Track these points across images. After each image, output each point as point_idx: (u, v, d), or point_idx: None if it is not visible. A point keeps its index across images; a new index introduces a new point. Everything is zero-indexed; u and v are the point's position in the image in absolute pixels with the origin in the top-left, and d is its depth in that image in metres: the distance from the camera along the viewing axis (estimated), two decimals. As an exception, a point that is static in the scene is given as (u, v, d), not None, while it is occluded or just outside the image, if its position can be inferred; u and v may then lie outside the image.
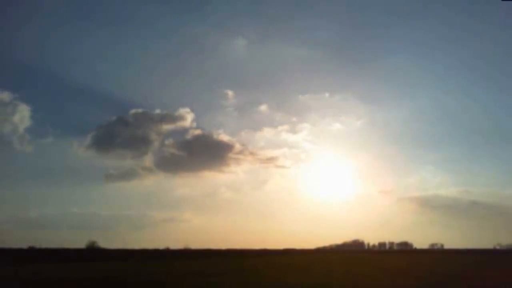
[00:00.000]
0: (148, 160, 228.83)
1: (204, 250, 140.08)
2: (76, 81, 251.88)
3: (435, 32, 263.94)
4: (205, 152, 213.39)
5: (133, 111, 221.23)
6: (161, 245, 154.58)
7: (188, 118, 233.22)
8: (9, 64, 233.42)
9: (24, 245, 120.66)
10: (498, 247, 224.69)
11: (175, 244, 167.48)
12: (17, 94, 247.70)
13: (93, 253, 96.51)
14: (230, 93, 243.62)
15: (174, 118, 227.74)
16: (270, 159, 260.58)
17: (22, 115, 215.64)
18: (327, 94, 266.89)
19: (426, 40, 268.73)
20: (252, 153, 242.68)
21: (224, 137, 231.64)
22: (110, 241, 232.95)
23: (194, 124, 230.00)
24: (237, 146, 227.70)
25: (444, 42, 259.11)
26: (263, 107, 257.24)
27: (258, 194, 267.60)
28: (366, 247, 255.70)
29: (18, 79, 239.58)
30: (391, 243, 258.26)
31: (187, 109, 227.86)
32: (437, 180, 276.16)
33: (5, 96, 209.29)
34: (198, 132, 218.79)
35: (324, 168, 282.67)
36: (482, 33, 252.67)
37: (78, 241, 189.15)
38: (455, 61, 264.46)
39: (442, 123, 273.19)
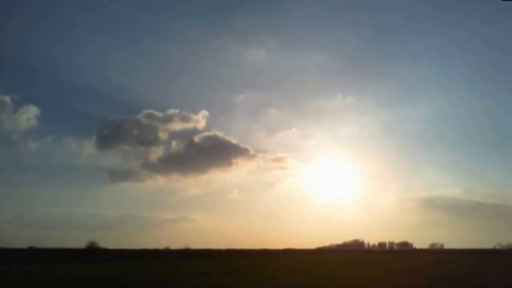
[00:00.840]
0: (156, 160, 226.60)
1: (205, 250, 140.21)
2: (87, 80, 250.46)
3: (450, 37, 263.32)
4: (213, 153, 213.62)
5: (144, 112, 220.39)
6: (162, 245, 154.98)
7: (200, 120, 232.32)
8: (16, 65, 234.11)
9: (25, 245, 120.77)
10: (498, 247, 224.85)
11: (180, 244, 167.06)
12: (23, 94, 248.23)
13: (93, 253, 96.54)
14: (242, 96, 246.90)
15: (185, 120, 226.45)
16: (277, 160, 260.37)
17: (28, 115, 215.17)
18: (340, 96, 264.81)
19: (439, 45, 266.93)
20: (259, 155, 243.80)
21: (234, 139, 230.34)
22: (116, 241, 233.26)
23: (205, 126, 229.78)
24: (245, 148, 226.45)
25: (455, 47, 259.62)
26: (275, 110, 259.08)
27: (262, 195, 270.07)
28: (366, 247, 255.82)
29: (25, 79, 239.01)
30: (391, 243, 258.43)
31: (201, 112, 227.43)
32: (439, 181, 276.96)
33: (12, 96, 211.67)
34: (208, 133, 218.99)
35: (330, 170, 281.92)
36: (494, 39, 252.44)
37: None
38: (462, 65, 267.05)
39: (445, 125, 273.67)
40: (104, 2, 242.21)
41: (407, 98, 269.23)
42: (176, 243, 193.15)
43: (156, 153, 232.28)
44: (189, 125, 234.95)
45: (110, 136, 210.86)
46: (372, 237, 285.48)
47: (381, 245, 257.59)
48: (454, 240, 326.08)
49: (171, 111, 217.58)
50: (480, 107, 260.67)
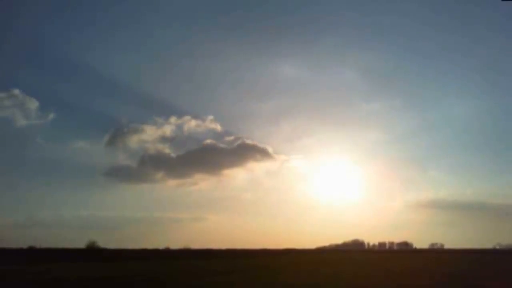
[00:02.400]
0: (171, 161, 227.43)
1: (204, 250, 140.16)
2: (100, 80, 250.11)
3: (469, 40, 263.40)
4: (222, 155, 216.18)
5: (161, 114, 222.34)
6: (164, 246, 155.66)
7: (214, 123, 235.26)
8: (27, 63, 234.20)
9: (25, 245, 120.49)
10: (498, 247, 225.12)
11: (180, 244, 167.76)
12: (33, 94, 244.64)
13: (93, 253, 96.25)
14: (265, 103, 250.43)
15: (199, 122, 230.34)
16: (286, 162, 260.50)
17: (37, 114, 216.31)
18: (364, 104, 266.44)
19: (458, 48, 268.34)
20: (268, 156, 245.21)
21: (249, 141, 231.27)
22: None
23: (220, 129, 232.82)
24: (263, 148, 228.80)
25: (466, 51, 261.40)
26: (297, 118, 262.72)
27: (267, 196, 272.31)
28: (366, 247, 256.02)
29: (36, 79, 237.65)
30: (391, 243, 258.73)
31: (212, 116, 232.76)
32: (440, 181, 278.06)
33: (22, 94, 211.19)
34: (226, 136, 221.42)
35: (336, 171, 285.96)
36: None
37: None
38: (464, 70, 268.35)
39: (448, 129, 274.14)
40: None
41: (418, 106, 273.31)
42: (179, 243, 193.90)
43: (170, 154, 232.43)
44: (204, 127, 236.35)
45: (122, 137, 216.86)
46: (371, 237, 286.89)
47: (381, 245, 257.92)
48: (454, 240, 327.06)
49: (187, 116, 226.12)
50: (479, 110, 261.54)
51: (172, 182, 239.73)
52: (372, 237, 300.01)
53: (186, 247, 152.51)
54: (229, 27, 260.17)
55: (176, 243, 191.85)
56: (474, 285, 26.39)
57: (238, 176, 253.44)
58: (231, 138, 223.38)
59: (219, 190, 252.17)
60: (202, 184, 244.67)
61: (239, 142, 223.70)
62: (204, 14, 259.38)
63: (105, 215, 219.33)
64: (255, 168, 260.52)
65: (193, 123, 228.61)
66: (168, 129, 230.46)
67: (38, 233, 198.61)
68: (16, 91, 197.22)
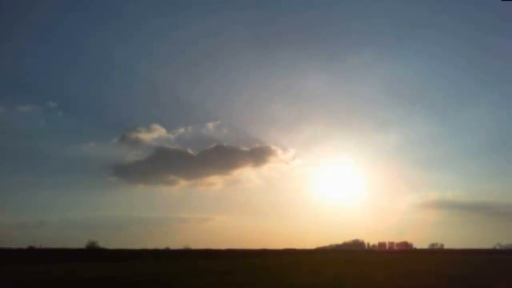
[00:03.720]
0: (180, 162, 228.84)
1: (204, 250, 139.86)
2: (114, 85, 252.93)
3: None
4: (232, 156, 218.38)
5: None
6: (165, 246, 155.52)
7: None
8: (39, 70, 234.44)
9: (25, 245, 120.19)
10: (498, 247, 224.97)
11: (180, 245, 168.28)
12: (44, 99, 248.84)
13: (94, 253, 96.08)
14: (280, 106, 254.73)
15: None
16: (291, 162, 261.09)
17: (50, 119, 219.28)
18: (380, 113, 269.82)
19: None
20: (275, 158, 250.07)
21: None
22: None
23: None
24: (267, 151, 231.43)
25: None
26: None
27: (268, 196, 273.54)
28: (366, 247, 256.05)
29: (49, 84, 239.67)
30: (391, 243, 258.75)
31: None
32: (440, 182, 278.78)
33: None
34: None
35: (338, 172, 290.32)
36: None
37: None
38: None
39: (453, 133, 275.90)
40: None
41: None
42: (180, 243, 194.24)
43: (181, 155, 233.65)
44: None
45: (135, 140, 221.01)
46: (371, 237, 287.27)
47: (381, 245, 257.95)
48: (454, 240, 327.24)
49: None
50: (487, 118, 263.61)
51: (183, 183, 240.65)
52: (372, 237, 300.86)
53: (186, 247, 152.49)
54: (258, 38, 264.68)
55: (177, 243, 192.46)
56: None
57: (244, 177, 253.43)
58: (242, 140, 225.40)
59: (224, 192, 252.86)
60: (207, 185, 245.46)
61: (248, 144, 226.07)
62: (236, 26, 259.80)
63: (112, 215, 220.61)
64: (261, 170, 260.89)
65: (210, 125, 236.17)
66: (181, 131, 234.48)
67: (47, 233, 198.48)
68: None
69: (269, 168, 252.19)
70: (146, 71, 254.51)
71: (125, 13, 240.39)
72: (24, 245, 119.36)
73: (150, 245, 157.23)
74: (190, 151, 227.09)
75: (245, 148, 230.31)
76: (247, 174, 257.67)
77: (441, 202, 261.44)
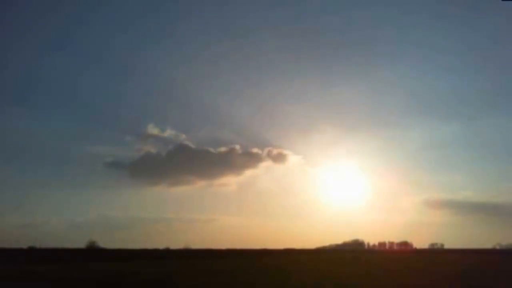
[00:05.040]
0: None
1: (204, 250, 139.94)
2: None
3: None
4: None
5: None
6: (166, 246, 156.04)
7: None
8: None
9: (24, 245, 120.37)
10: (498, 247, 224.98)
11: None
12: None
13: (94, 253, 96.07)
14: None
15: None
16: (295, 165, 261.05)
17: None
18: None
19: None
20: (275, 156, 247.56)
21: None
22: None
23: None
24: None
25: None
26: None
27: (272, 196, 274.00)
28: (366, 246, 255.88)
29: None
30: (391, 243, 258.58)
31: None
32: (441, 182, 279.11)
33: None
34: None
35: (342, 174, 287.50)
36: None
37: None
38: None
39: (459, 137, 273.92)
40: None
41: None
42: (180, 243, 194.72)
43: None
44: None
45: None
46: (371, 237, 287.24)
47: (381, 245, 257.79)
48: (454, 240, 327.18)
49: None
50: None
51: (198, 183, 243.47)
52: (371, 237, 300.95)
53: (186, 247, 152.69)
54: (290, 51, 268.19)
55: (177, 244, 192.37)
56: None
57: (245, 179, 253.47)
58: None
59: (227, 193, 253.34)
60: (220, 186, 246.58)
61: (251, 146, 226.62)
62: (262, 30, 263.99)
63: (112, 215, 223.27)
64: (263, 172, 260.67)
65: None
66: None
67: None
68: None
69: (269, 170, 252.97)
70: (162, 72, 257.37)
71: (149, 15, 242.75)
72: (24, 245, 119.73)
73: (149, 245, 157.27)
74: (211, 150, 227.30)
75: (248, 150, 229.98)
76: (249, 175, 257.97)
77: (443, 202, 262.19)
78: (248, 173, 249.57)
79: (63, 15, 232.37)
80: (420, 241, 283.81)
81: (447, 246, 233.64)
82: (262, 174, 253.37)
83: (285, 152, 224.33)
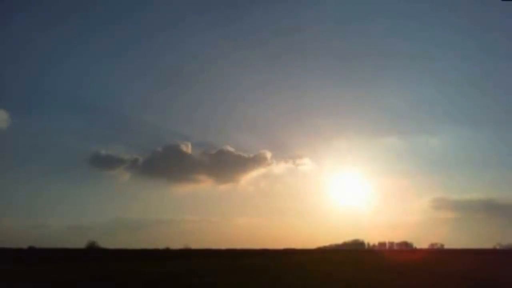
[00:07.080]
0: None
1: (204, 250, 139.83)
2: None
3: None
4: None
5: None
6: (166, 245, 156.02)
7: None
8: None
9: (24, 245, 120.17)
10: (498, 247, 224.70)
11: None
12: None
13: (93, 252, 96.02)
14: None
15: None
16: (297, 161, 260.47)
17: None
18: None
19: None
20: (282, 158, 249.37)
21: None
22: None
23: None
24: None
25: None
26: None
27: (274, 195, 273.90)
28: (366, 246, 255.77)
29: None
30: (391, 243, 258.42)
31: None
32: (441, 182, 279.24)
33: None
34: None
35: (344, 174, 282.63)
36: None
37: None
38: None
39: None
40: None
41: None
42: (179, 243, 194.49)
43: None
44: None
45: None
46: (371, 237, 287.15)
47: (381, 245, 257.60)
48: (454, 240, 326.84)
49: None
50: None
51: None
52: (371, 237, 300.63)
53: (186, 247, 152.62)
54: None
55: (177, 244, 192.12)
56: None
57: (246, 180, 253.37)
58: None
59: (229, 193, 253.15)
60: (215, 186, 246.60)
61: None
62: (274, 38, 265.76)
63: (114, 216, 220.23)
64: (267, 173, 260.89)
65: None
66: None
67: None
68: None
69: (274, 172, 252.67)
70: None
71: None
72: (24, 245, 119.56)
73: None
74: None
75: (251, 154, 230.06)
76: (251, 176, 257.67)
77: (445, 202, 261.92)
78: (257, 175, 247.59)
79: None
80: (420, 242, 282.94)
81: (447, 246, 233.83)
82: (272, 176, 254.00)
83: (296, 155, 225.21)
